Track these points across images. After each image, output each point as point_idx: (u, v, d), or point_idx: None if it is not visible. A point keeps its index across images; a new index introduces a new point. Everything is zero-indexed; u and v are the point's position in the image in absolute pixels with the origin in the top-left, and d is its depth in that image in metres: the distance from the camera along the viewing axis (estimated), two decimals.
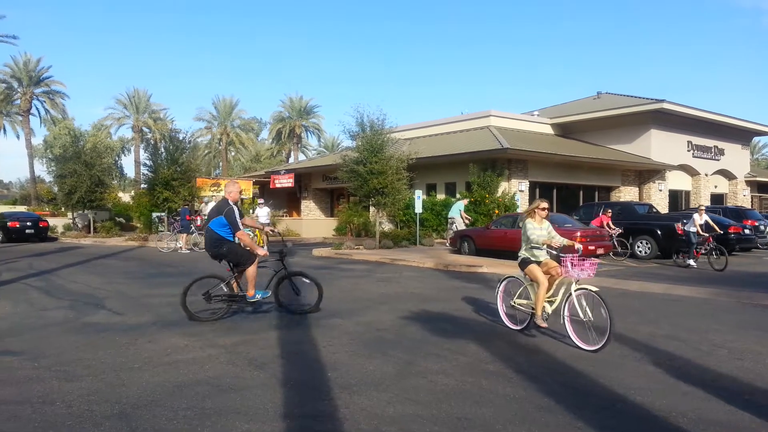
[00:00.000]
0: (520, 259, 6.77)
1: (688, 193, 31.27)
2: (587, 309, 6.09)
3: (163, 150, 26.52)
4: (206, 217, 18.69)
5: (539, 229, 6.66)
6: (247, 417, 4.01)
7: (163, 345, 6.15)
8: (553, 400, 4.42)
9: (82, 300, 9.21)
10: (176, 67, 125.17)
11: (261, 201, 22.14)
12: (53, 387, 4.67)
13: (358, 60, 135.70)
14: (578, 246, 6.52)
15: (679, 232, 15.67)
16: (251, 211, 22.89)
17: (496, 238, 16.72)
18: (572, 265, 6.18)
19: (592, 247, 14.40)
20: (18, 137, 51.60)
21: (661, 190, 28.46)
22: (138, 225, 30.77)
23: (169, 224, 22.71)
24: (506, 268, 14.32)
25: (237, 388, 4.65)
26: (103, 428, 3.80)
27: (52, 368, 5.23)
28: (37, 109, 50.05)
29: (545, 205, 6.79)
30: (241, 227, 7.32)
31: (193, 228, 19.93)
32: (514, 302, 6.85)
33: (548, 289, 6.45)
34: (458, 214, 20.31)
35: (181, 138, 26.95)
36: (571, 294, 6.24)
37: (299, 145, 62.80)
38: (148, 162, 26.53)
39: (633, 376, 5.13)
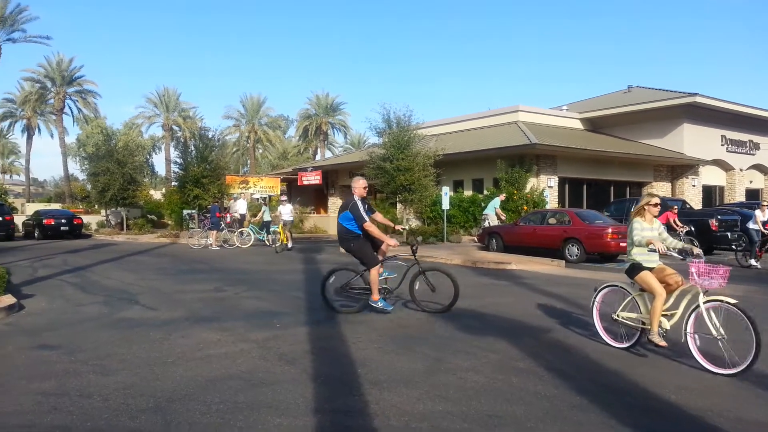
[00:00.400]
0: (628, 264, 5.89)
1: (722, 188, 30.55)
2: (719, 325, 5.16)
3: (192, 148, 26.96)
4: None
5: (650, 229, 5.80)
6: (278, 411, 4.05)
7: (195, 340, 6.25)
8: (585, 399, 4.36)
9: (116, 296, 9.40)
10: (204, 65, 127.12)
11: (283, 198, 22.32)
12: (90, 380, 4.78)
13: (383, 57, 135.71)
14: (698, 251, 5.58)
15: (713, 228, 15.31)
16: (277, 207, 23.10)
17: (525, 234, 16.58)
18: (699, 273, 5.25)
19: (623, 244, 14.15)
20: (52, 136, 53.31)
21: (694, 186, 27.86)
22: (169, 222, 31.32)
23: (200, 221, 23.07)
24: (536, 265, 14.22)
25: (268, 383, 4.70)
26: (139, 421, 3.88)
27: (88, 362, 5.35)
28: (70, 108, 51.40)
29: (657, 200, 5.89)
30: (366, 219, 7.42)
31: (223, 225, 20.17)
32: (618, 315, 5.96)
33: (665, 301, 5.59)
34: (493, 212, 20.07)
35: (210, 136, 27.35)
36: (699, 306, 5.27)
37: (326, 142, 63.16)
38: (178, 160, 27.05)
39: (667, 374, 5.04)
